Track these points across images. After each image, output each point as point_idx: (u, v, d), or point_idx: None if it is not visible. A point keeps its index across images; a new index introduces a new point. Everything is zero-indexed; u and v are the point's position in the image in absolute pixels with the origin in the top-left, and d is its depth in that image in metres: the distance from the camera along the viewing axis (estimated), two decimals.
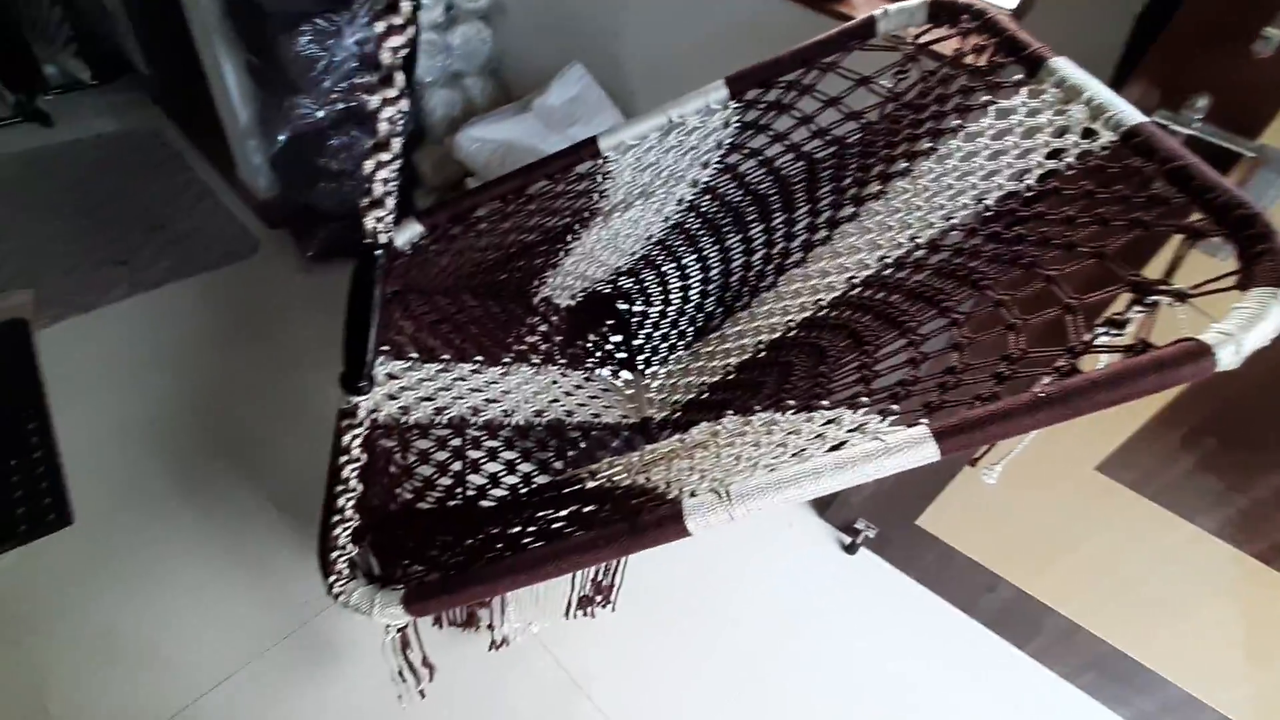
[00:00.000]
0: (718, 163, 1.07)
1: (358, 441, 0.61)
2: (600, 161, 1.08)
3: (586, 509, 0.73)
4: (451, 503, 0.85)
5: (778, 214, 1.03)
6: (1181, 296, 0.60)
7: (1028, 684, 1.31)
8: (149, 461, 1.41)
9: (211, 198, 2.11)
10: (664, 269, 1.23)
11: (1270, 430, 0.89)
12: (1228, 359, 0.49)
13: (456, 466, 0.90)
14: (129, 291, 1.77)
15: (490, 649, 1.11)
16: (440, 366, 1.04)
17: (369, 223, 0.46)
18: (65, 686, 1.09)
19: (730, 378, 1.00)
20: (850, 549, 1.46)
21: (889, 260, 0.85)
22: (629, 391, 1.15)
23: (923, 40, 0.93)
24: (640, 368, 1.19)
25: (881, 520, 1.40)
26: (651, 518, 0.62)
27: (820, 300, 0.92)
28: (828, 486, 0.59)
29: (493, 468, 0.92)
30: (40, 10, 2.28)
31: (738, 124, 1.05)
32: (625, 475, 0.77)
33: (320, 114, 1.65)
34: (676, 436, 0.78)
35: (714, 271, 1.14)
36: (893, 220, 0.88)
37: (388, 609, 0.67)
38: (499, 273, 1.17)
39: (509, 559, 0.65)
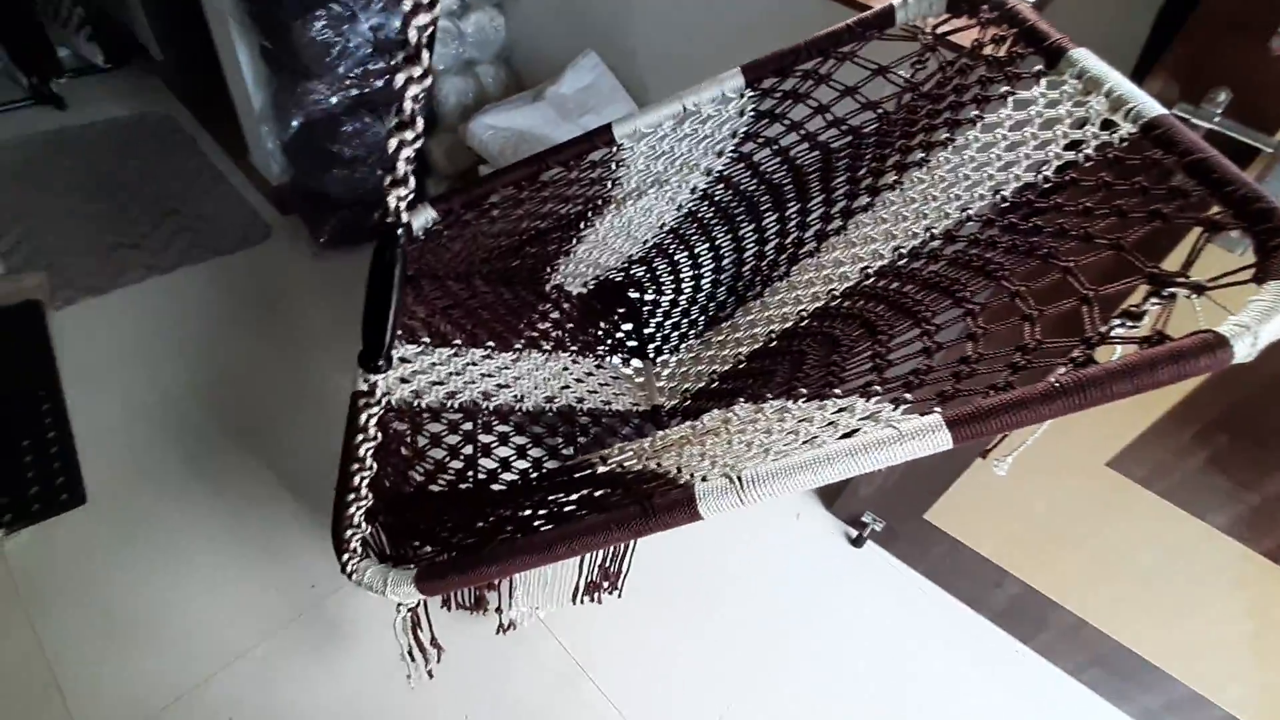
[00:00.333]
0: (732, 151, 1.07)
1: (374, 420, 0.62)
2: (614, 149, 1.09)
3: (598, 493, 0.74)
4: (463, 486, 0.86)
5: (792, 203, 1.03)
6: (1198, 289, 0.60)
7: (1032, 679, 1.31)
8: (161, 443, 1.42)
9: (224, 183, 2.12)
10: (676, 257, 1.23)
11: None
12: (1243, 351, 0.49)
13: (468, 450, 0.91)
14: (142, 275, 1.78)
15: (498, 632, 1.12)
16: (452, 351, 1.05)
17: (391, 201, 0.46)
18: (77, 663, 1.10)
19: (741, 367, 1.00)
20: (857, 542, 1.46)
21: (903, 250, 0.85)
22: (639, 379, 1.15)
23: (941, 30, 0.93)
24: (651, 356, 1.19)
25: (889, 514, 1.40)
26: (664, 501, 0.62)
27: (833, 290, 0.92)
28: (839, 473, 0.59)
29: (504, 452, 0.93)
30: None
31: (753, 113, 1.05)
32: (636, 460, 0.77)
33: (333, 100, 1.65)
34: (688, 423, 0.79)
35: (726, 260, 1.14)
36: (908, 210, 0.88)
37: (400, 587, 0.67)
38: (511, 259, 1.18)
39: (521, 540, 0.65)
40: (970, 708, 1.26)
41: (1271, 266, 0.53)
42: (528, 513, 0.74)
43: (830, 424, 0.68)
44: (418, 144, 0.44)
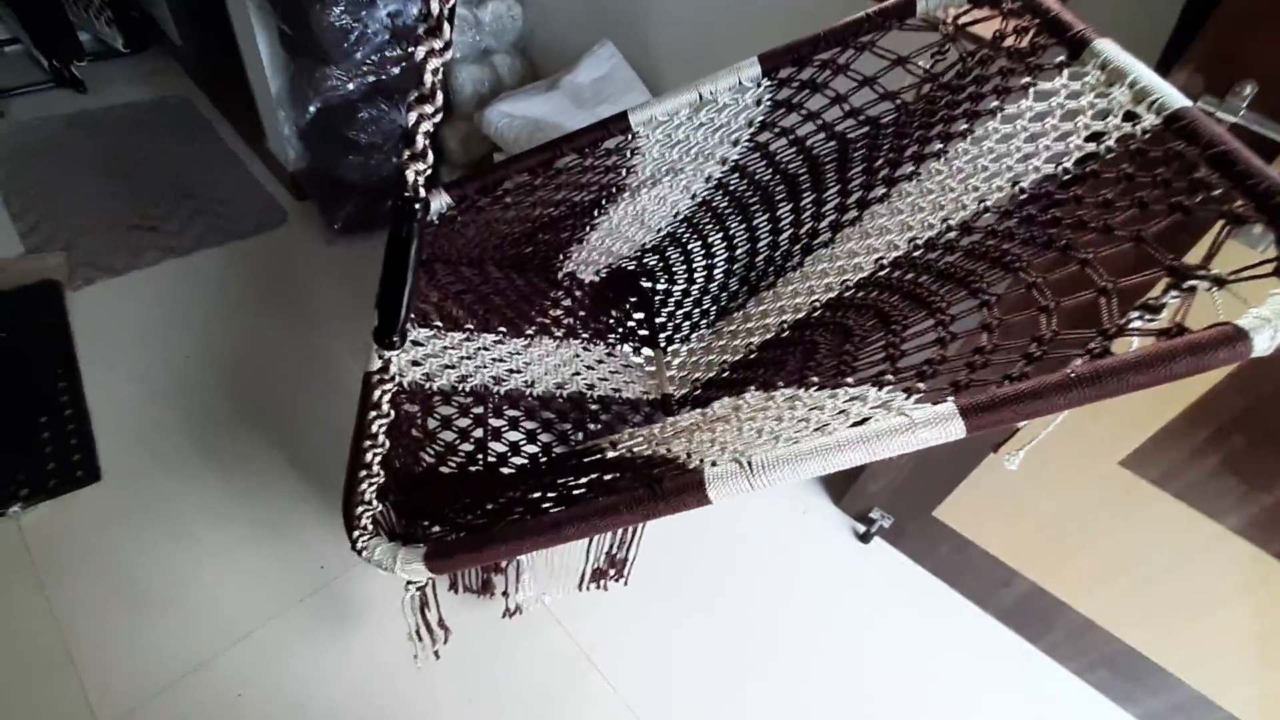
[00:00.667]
0: (748, 141, 1.07)
1: (388, 397, 0.62)
2: (630, 137, 1.08)
3: (607, 476, 0.74)
4: (473, 468, 0.87)
5: (807, 193, 1.02)
6: (1219, 282, 0.59)
7: (1039, 679, 1.30)
8: (175, 422, 1.44)
9: (241, 168, 2.13)
10: (689, 246, 1.22)
11: None
12: (1263, 344, 0.48)
13: (478, 433, 0.91)
14: (159, 257, 1.80)
15: (504, 616, 1.12)
16: (464, 336, 1.05)
17: (409, 175, 0.46)
18: (89, 636, 1.12)
19: (752, 356, 1.00)
20: (864, 538, 1.46)
21: (919, 241, 0.85)
22: (650, 368, 1.15)
23: (962, 21, 0.92)
24: (662, 345, 1.19)
25: (897, 510, 1.40)
26: (673, 484, 0.62)
27: (847, 281, 0.91)
28: (850, 460, 0.59)
29: (513, 436, 0.93)
30: None
31: (770, 102, 1.04)
32: (646, 446, 0.77)
33: (350, 86, 1.66)
34: (698, 410, 0.79)
35: (740, 250, 1.14)
36: (925, 201, 0.87)
37: (410, 565, 0.68)
38: (525, 246, 1.18)
39: (530, 520, 0.65)
40: (976, 707, 1.25)
41: None
42: (537, 495, 0.74)
43: (842, 412, 0.67)
44: (437, 118, 0.45)
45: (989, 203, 0.81)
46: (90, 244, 1.79)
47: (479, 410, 0.94)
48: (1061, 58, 0.81)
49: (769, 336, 1.00)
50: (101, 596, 1.17)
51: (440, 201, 1.12)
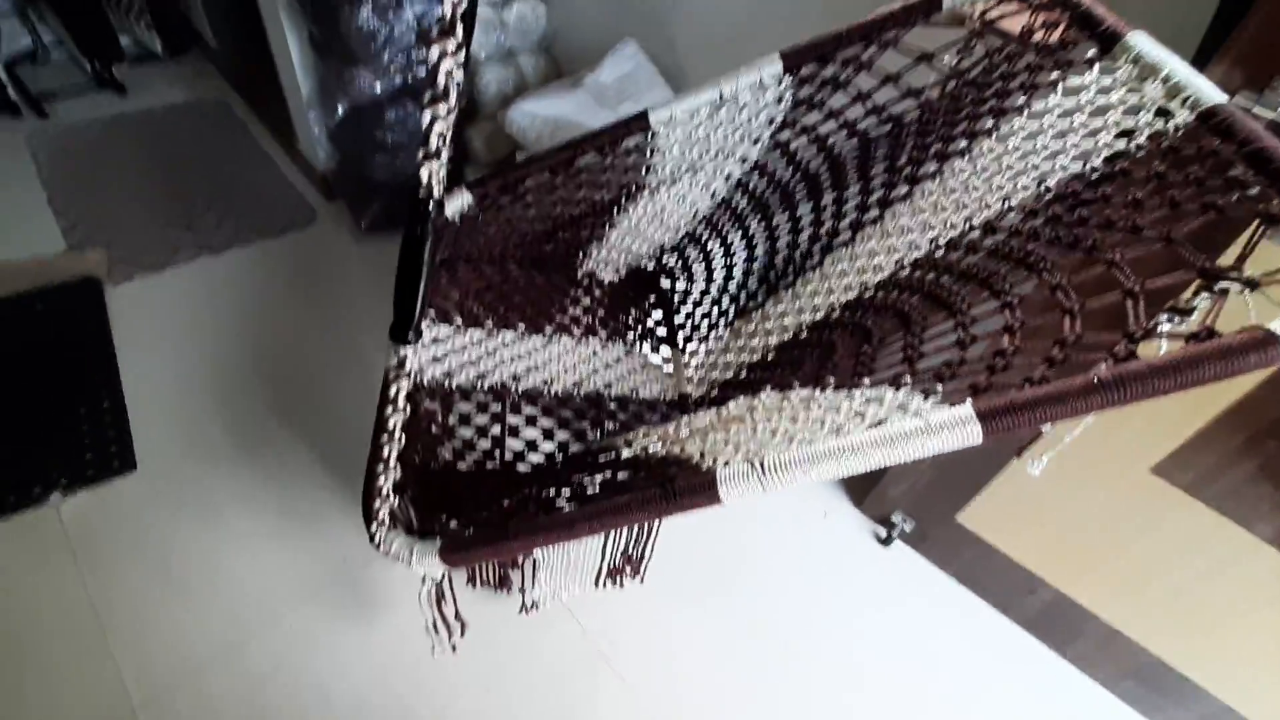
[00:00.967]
0: (768, 139, 1.06)
1: (403, 393, 0.63)
2: (650, 135, 1.08)
3: (620, 475, 0.74)
4: (490, 465, 0.88)
5: (827, 192, 1.01)
6: (1252, 284, 0.57)
7: (1064, 689, 1.27)
8: (208, 414, 1.48)
9: (273, 167, 2.19)
10: (709, 246, 1.22)
11: None
12: None
13: (495, 430, 0.92)
14: (194, 254, 1.85)
15: (520, 612, 1.13)
16: (484, 333, 1.06)
17: (424, 174, 0.47)
18: (124, 619, 1.16)
19: (770, 358, 1.00)
20: (885, 541, 1.44)
21: (941, 242, 0.83)
22: (668, 368, 1.15)
23: (990, 16, 0.90)
24: (680, 345, 1.19)
25: (919, 514, 1.38)
26: (685, 484, 0.62)
27: (866, 281, 0.90)
28: (865, 464, 0.58)
29: (530, 434, 0.94)
30: None
31: (791, 100, 1.04)
32: (660, 445, 0.77)
33: (378, 87, 1.69)
34: (713, 410, 0.78)
35: (759, 249, 1.13)
36: (948, 201, 0.86)
37: (425, 558, 0.69)
38: (545, 244, 1.19)
39: (544, 517, 0.66)
40: (999, 717, 1.23)
41: None
42: (551, 492, 0.75)
43: (858, 414, 0.67)
44: (451, 118, 0.45)
45: (1014, 202, 0.79)
46: (129, 241, 1.85)
47: (497, 407, 0.95)
48: (1092, 53, 0.79)
49: (787, 337, 0.99)
50: (136, 581, 1.21)
51: (462, 200, 1.13)
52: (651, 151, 1.10)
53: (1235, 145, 0.64)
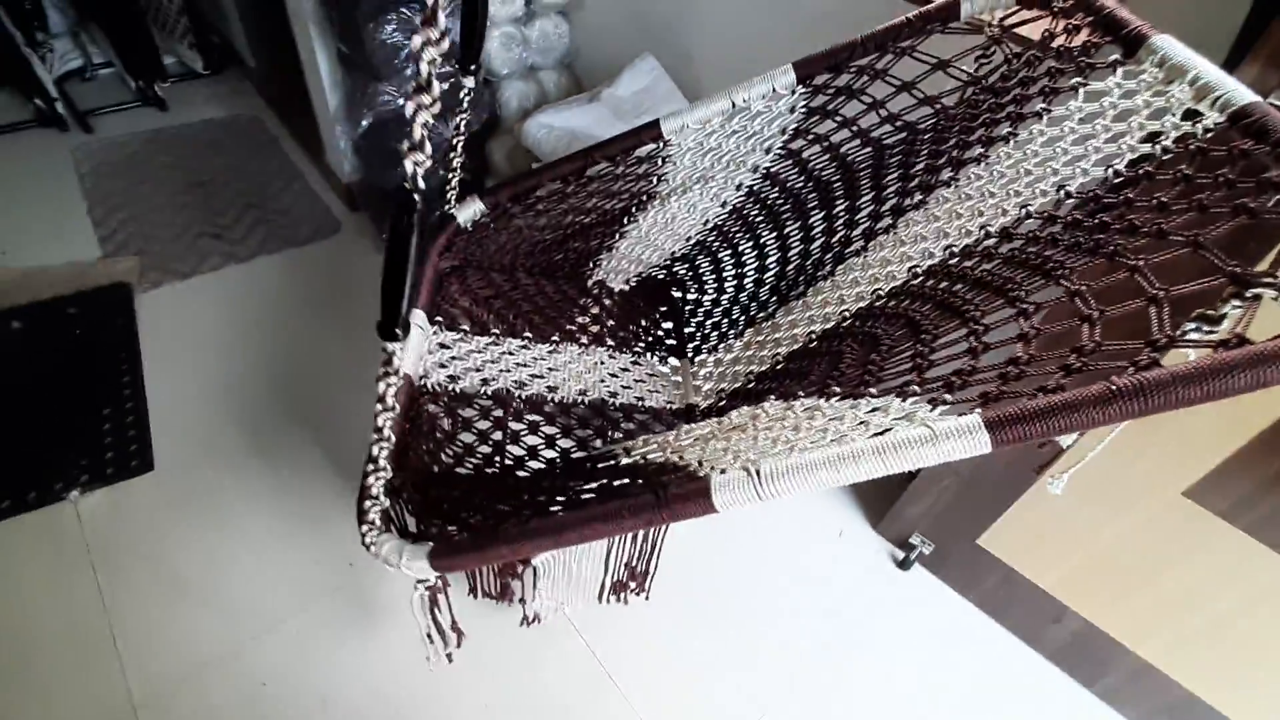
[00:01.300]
0: (780, 148, 1.04)
1: (393, 391, 0.62)
2: (662, 145, 1.08)
3: (617, 482, 0.72)
4: (489, 470, 0.86)
5: (840, 201, 0.99)
6: None
7: None
8: (226, 418, 1.50)
9: (301, 180, 2.24)
10: (720, 255, 1.20)
11: None
12: None
13: (497, 436, 0.91)
14: (222, 262, 1.90)
15: (522, 624, 1.11)
16: (490, 340, 1.06)
17: (408, 166, 0.47)
18: (132, 616, 1.17)
19: (779, 367, 0.97)
20: (904, 565, 1.38)
21: (956, 249, 0.80)
22: (676, 378, 1.13)
23: (1009, 22, 0.88)
24: (689, 355, 1.17)
25: (939, 536, 1.32)
26: (679, 491, 0.60)
27: (879, 290, 0.87)
28: (865, 472, 0.56)
29: (532, 441, 0.93)
30: (163, 3, 2.49)
31: (804, 109, 1.02)
32: (660, 453, 0.75)
33: (401, 101, 1.72)
34: (714, 419, 0.76)
35: (771, 259, 1.11)
36: (963, 208, 0.83)
37: (415, 562, 0.68)
38: (555, 253, 1.18)
39: (535, 521, 0.64)
40: None
41: None
42: (545, 498, 0.73)
43: (862, 423, 0.64)
44: (435, 109, 0.45)
45: (1032, 208, 0.76)
46: (161, 250, 1.91)
47: (499, 413, 0.94)
48: (1116, 56, 0.76)
49: (797, 347, 0.96)
50: (146, 581, 1.22)
51: (474, 209, 1.13)
52: (663, 160, 1.09)
53: (1270, 145, 0.61)
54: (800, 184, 1.04)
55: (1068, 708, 1.21)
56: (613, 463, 0.77)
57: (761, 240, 1.12)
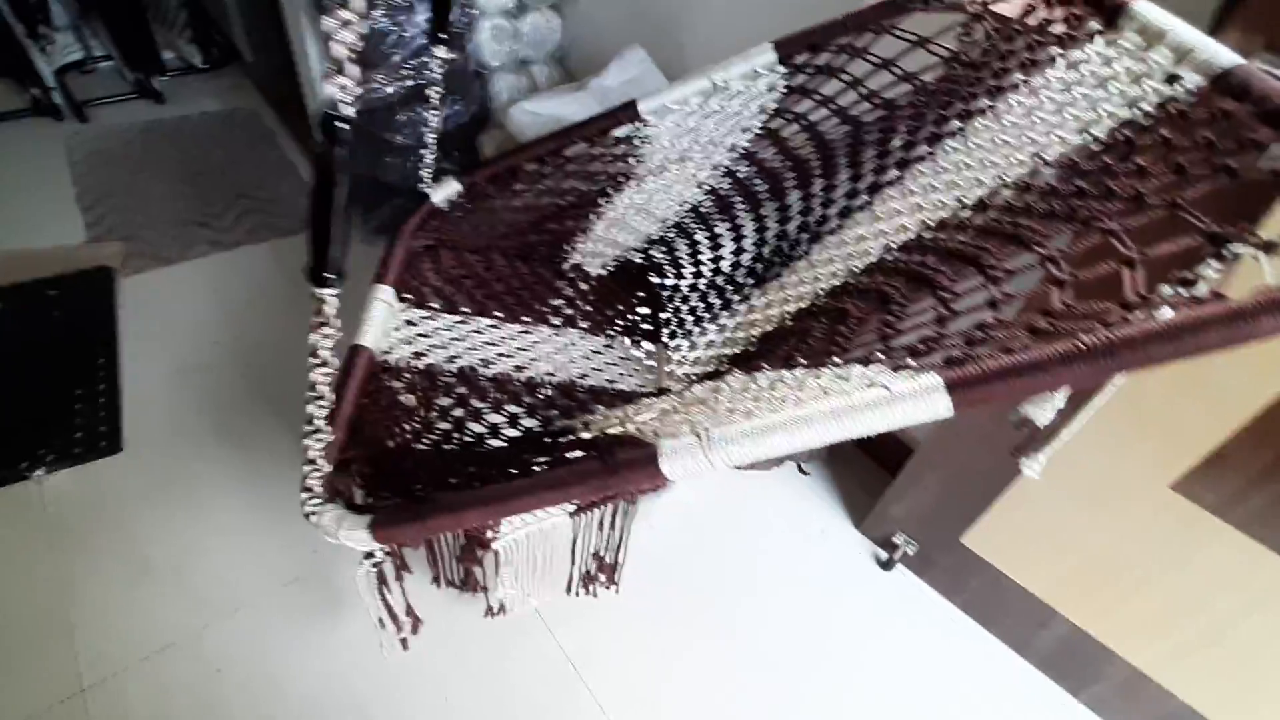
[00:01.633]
0: (759, 128, 1.02)
1: (328, 344, 0.59)
2: (639, 125, 1.06)
3: (570, 455, 0.69)
4: (446, 446, 0.83)
5: (817, 180, 0.96)
6: (1268, 247, 0.51)
7: None
8: (198, 403, 1.47)
9: (293, 172, 2.23)
10: (696, 237, 1.18)
11: None
12: None
13: (458, 413, 0.88)
14: (207, 249, 1.88)
15: (486, 614, 1.07)
16: (459, 319, 1.03)
17: (329, 89, 0.44)
18: (91, 597, 1.13)
19: (753, 350, 0.94)
20: (886, 565, 1.34)
21: (930, 222, 0.78)
22: (650, 362, 1.10)
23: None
24: (665, 340, 1.14)
25: (923, 536, 1.28)
26: (626, 457, 0.57)
27: (854, 267, 0.85)
28: (820, 436, 0.53)
29: (495, 419, 0.90)
30: None
31: (784, 88, 1.00)
32: (618, 427, 0.72)
33: (389, 90, 1.71)
34: (674, 394, 0.73)
35: (748, 241, 1.08)
36: (939, 182, 0.80)
37: (354, 532, 0.65)
38: (531, 235, 1.16)
39: (479, 489, 0.61)
40: None
41: None
42: (496, 470, 0.70)
43: (823, 391, 0.61)
44: (361, 28, 0.42)
45: (1008, 178, 0.73)
46: (148, 236, 1.89)
47: (462, 390, 0.91)
48: (1094, 24, 0.74)
49: (771, 329, 0.93)
50: (108, 562, 1.19)
51: (451, 189, 1.12)
52: (640, 141, 1.07)
53: (1252, 104, 0.58)
54: (777, 163, 1.01)
55: (1055, 717, 1.16)
56: (571, 437, 0.74)
57: (738, 222, 1.09)
